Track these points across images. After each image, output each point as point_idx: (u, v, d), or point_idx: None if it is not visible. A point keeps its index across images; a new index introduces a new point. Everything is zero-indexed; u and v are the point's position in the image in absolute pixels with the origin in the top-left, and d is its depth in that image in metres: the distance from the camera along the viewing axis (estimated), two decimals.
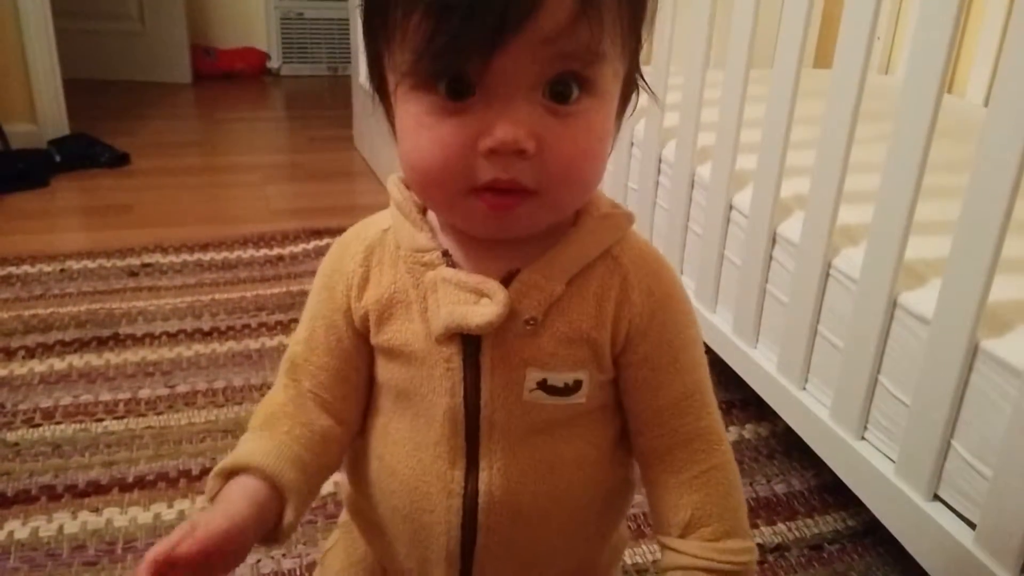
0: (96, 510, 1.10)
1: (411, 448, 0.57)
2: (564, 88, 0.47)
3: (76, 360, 1.46)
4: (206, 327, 1.60)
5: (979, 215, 0.81)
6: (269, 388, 0.62)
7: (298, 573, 1.01)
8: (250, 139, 3.09)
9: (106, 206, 2.28)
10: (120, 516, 1.09)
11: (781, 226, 1.17)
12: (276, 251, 1.98)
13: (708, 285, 1.35)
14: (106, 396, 1.36)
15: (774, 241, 1.18)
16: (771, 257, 1.19)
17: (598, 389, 0.56)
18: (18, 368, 1.43)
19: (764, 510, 1.14)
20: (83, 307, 1.65)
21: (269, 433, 0.57)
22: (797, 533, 1.11)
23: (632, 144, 1.58)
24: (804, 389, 1.14)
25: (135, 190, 2.40)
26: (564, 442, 0.56)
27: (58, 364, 1.45)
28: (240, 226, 2.12)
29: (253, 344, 1.54)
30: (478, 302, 0.52)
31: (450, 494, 0.56)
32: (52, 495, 1.12)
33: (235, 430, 1.27)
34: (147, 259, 1.89)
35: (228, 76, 3.87)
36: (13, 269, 1.81)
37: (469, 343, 0.53)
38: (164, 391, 1.38)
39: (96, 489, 1.14)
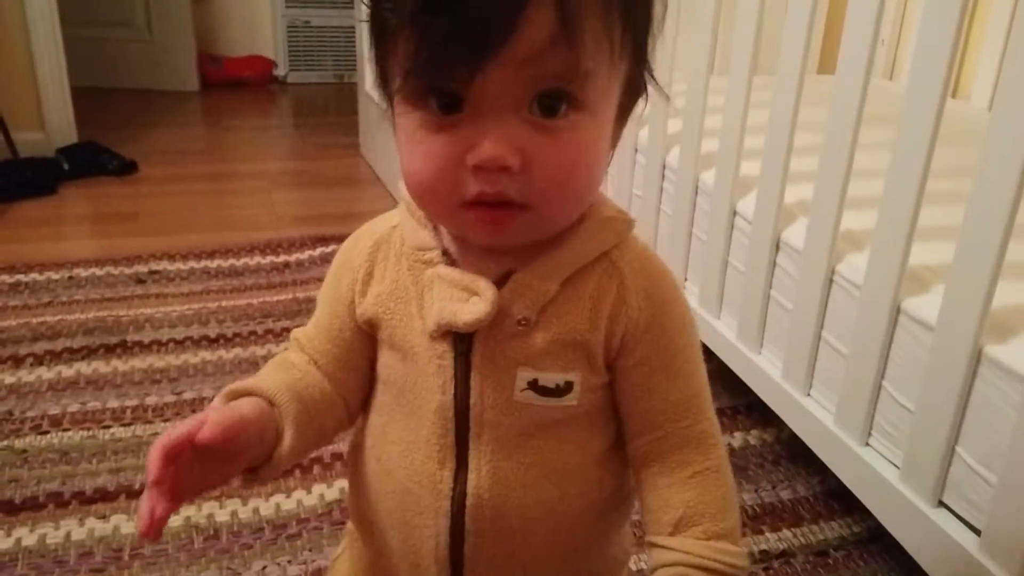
0: (103, 517, 1.10)
1: (404, 448, 0.57)
2: (552, 103, 0.47)
3: (84, 367, 1.47)
4: (213, 334, 1.60)
5: (983, 221, 0.81)
6: None
7: None
8: (257, 146, 3.11)
9: (114, 213, 2.29)
10: (127, 523, 1.09)
11: (785, 232, 1.18)
12: (282, 258, 1.98)
13: (712, 291, 1.35)
14: (113, 403, 1.36)
15: (778, 247, 1.18)
16: (775, 263, 1.19)
17: (590, 392, 0.56)
18: (26, 375, 1.44)
19: (769, 516, 1.14)
20: (91, 314, 1.66)
21: (281, 369, 0.60)
22: (802, 539, 1.10)
23: (636, 150, 1.58)
24: (808, 395, 1.14)
25: (142, 197, 2.42)
26: (555, 447, 0.56)
27: (66, 371, 1.46)
28: (247, 233, 2.13)
29: (260, 351, 1.54)
30: (468, 300, 0.52)
31: (439, 495, 0.56)
32: (59, 502, 1.13)
33: None
34: (154, 266, 1.90)
35: (235, 84, 3.89)
36: (21, 276, 1.82)
37: (462, 341, 0.54)
38: (171, 398, 1.38)
39: (103, 496, 1.14)
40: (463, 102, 0.47)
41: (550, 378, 0.54)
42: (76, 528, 1.08)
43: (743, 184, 1.28)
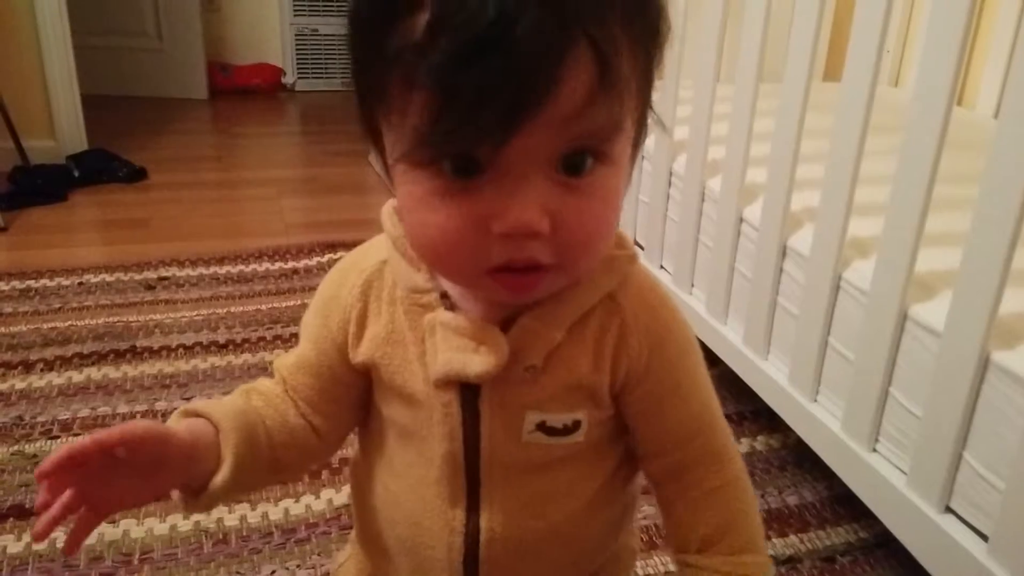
0: (113, 521, 1.11)
1: (414, 483, 0.57)
2: (579, 160, 0.44)
3: (94, 372, 1.48)
4: (222, 340, 1.61)
5: (989, 227, 0.82)
6: None
7: None
8: (265, 154, 3.12)
9: (123, 220, 2.31)
10: (137, 527, 1.10)
11: (791, 238, 1.18)
12: (291, 264, 1.99)
13: (719, 297, 1.35)
14: (123, 408, 1.37)
15: (784, 253, 1.19)
16: (781, 269, 1.19)
17: (597, 427, 0.56)
18: (37, 380, 1.45)
19: (776, 522, 1.14)
20: (101, 320, 1.67)
21: (244, 398, 0.57)
22: (809, 545, 1.10)
23: (643, 157, 1.58)
24: (815, 401, 1.14)
25: (152, 204, 2.43)
26: (562, 477, 0.56)
27: (76, 376, 1.46)
28: (255, 240, 2.14)
29: (268, 356, 1.55)
30: (477, 350, 0.50)
31: (452, 531, 0.56)
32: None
33: None
34: (164, 272, 1.91)
35: (244, 92, 3.91)
36: (32, 282, 1.83)
37: (468, 388, 0.52)
38: (181, 403, 1.38)
39: None
40: (484, 164, 0.42)
41: (558, 419, 0.54)
42: None
43: (750, 191, 1.29)
